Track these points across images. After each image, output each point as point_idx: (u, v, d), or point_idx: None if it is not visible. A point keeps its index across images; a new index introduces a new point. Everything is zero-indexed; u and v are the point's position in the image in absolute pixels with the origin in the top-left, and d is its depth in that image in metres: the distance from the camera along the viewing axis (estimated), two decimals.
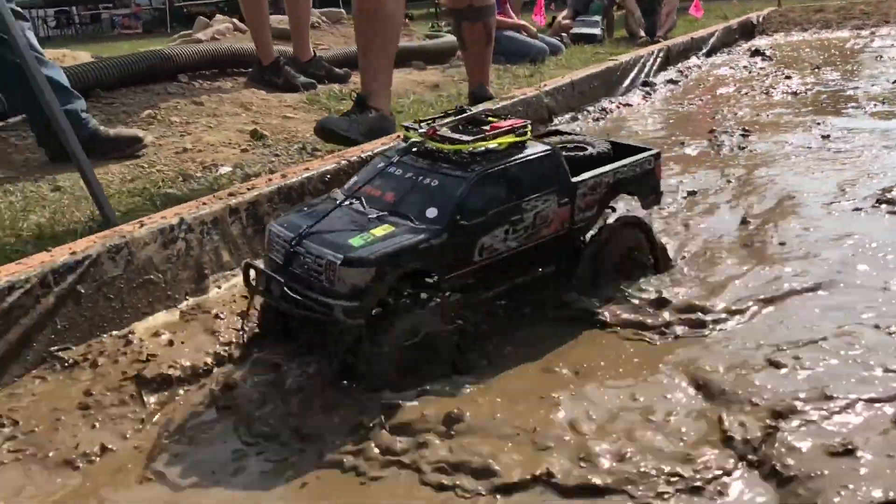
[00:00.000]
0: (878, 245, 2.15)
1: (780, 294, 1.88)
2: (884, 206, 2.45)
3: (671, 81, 5.35)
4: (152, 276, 1.98)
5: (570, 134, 2.10)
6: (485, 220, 1.59)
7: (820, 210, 2.50)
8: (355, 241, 1.48)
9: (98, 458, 1.49)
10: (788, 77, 5.09)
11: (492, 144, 1.64)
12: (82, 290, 1.80)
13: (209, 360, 1.76)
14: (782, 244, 2.23)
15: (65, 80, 3.21)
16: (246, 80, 4.84)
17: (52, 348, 1.77)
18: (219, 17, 7.82)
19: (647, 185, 1.94)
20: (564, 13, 8.10)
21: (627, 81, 4.90)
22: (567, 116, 4.12)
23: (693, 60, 6.16)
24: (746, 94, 4.75)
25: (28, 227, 2.43)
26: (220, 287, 2.15)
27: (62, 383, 1.68)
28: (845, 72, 5.20)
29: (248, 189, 2.37)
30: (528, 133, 1.71)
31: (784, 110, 4.13)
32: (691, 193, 2.80)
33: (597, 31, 7.54)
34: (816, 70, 5.29)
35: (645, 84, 5.07)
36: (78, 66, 4.13)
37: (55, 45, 8.18)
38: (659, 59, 5.41)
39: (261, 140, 3.70)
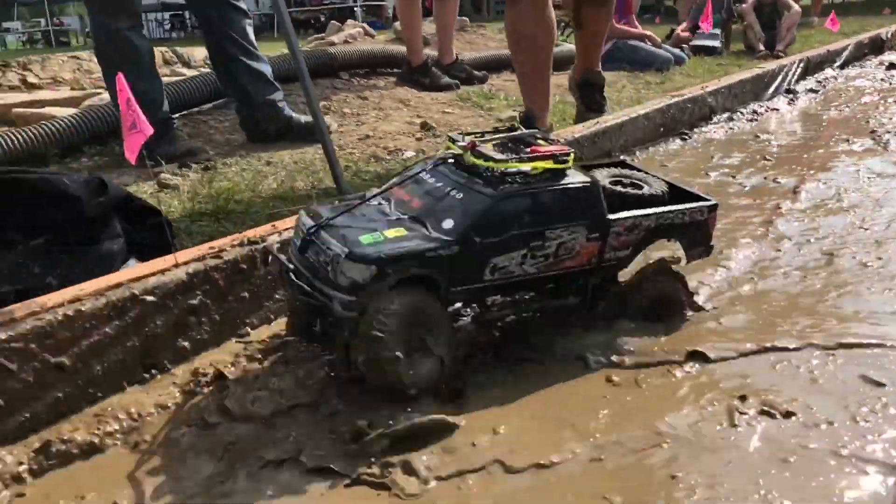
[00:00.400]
0: None
1: None
2: None
3: (811, 90, 5.37)
4: None
5: (633, 168, 1.97)
6: (500, 241, 1.55)
7: None
8: (365, 238, 1.49)
9: None
10: None
11: (525, 167, 1.60)
12: None
13: None
14: None
15: (270, 74, 3.52)
16: (396, 80, 5.11)
17: None
18: (350, 21, 8.21)
19: (694, 236, 1.82)
20: (683, 25, 8.14)
21: (773, 88, 4.96)
22: (724, 116, 4.22)
23: (829, 72, 6.14)
24: (894, 101, 4.74)
25: (265, 191, 2.70)
26: None
27: None
28: None
29: None
30: (570, 162, 1.64)
31: None
32: None
33: (717, 43, 7.55)
34: None
35: (788, 91, 5.11)
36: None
37: (171, 44, 8.71)
38: (800, 69, 5.43)
39: (430, 131, 3.92)
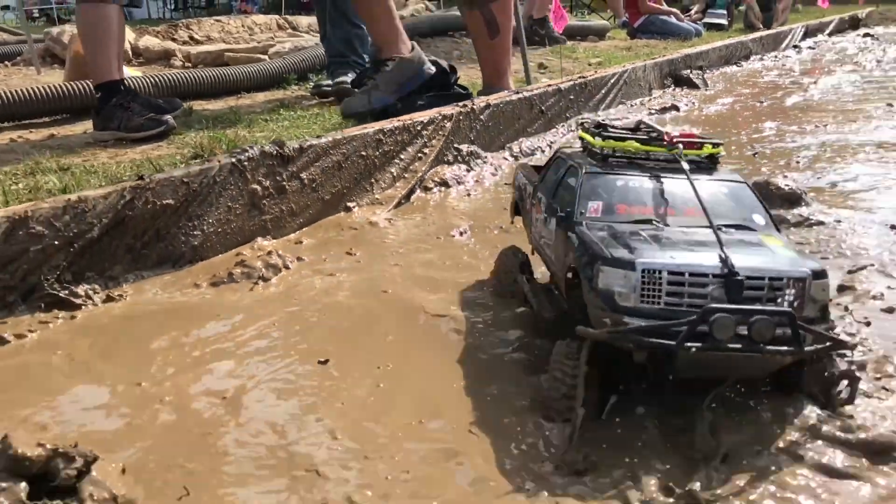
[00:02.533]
0: None
1: None
2: None
3: (809, 47, 7.68)
4: None
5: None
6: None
7: None
8: (779, 252, 1.28)
9: None
10: (889, 49, 7.38)
11: (721, 151, 1.53)
12: None
13: None
14: None
15: None
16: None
17: None
18: None
19: None
20: (696, 7, 10.17)
21: (785, 43, 7.26)
22: (757, 56, 6.51)
23: (820, 37, 8.46)
24: (867, 51, 7.06)
25: None
26: None
27: None
28: None
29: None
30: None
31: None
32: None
33: (724, 21, 9.60)
34: None
35: (795, 47, 7.41)
36: (413, 20, 6.35)
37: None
38: (802, 32, 7.74)
39: (546, 69, 6.09)
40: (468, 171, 2.97)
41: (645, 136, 1.52)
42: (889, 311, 1.55)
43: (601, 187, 1.45)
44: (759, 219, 1.40)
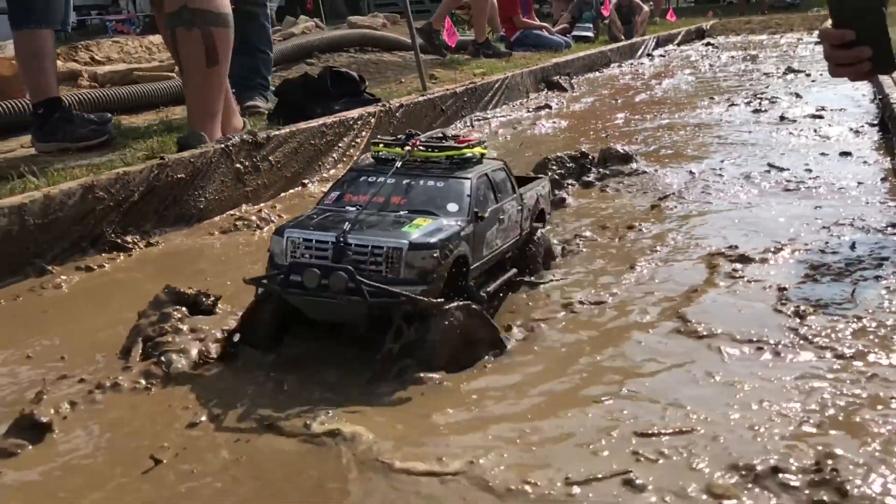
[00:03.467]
0: None
1: None
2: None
3: (660, 55, 8.96)
4: None
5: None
6: (487, 217, 1.65)
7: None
8: (408, 230, 1.50)
9: None
10: (723, 55, 8.75)
11: (470, 153, 1.74)
12: None
13: None
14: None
15: None
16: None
17: None
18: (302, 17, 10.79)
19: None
20: (562, 19, 11.30)
21: (639, 52, 8.50)
22: (615, 64, 7.67)
23: (670, 47, 9.82)
24: (704, 58, 8.37)
25: None
26: None
27: None
28: (758, 52, 8.90)
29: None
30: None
31: (728, 62, 7.74)
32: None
33: (590, 34, 10.80)
34: (742, 52, 8.96)
35: (648, 55, 8.65)
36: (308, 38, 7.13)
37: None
38: (654, 42, 9.03)
39: (436, 79, 7.01)
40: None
41: (401, 142, 1.78)
42: (683, 218, 2.48)
43: (346, 182, 1.74)
44: (452, 206, 1.61)
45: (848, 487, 1.02)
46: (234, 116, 3.20)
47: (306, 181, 3.32)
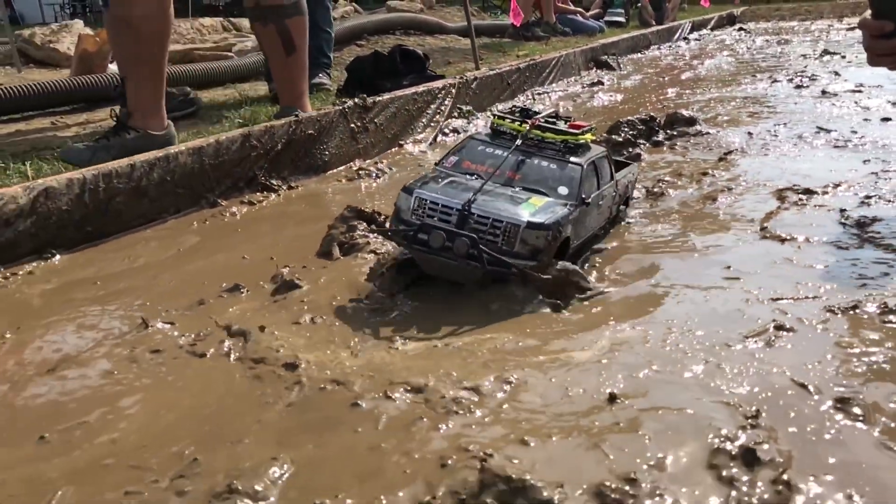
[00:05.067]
0: None
1: None
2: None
3: (696, 39, 9.32)
4: None
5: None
6: (590, 202, 1.79)
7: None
8: (524, 207, 1.64)
9: None
10: (757, 39, 9.09)
11: (583, 139, 1.87)
12: None
13: None
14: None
15: None
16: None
17: None
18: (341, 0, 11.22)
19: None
20: (595, 3, 11.63)
21: (676, 35, 8.87)
22: (654, 46, 8.04)
23: (704, 31, 10.15)
24: (738, 42, 8.72)
25: None
26: None
27: None
28: (790, 37, 9.22)
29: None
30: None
31: (763, 45, 8.09)
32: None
33: (622, 19, 11.12)
34: (775, 36, 9.30)
35: (685, 39, 9.01)
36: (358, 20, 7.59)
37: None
38: (690, 26, 9.38)
39: (483, 59, 7.43)
40: (468, 122, 4.22)
41: (519, 119, 1.92)
42: (748, 167, 2.90)
43: (465, 148, 1.88)
44: (563, 189, 1.75)
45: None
46: (158, 115, 2.97)
47: (402, 142, 3.77)
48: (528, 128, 1.89)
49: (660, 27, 8.95)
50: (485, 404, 1.22)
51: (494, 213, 1.62)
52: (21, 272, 2.07)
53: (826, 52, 6.60)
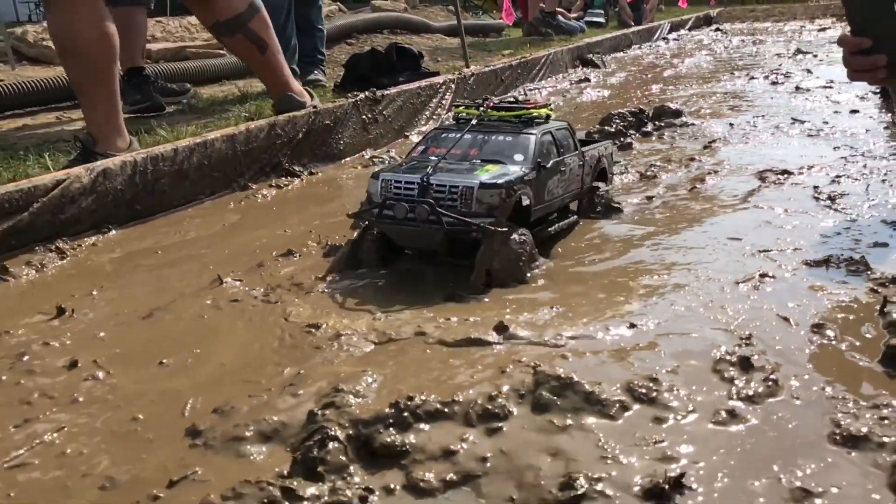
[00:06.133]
0: None
1: None
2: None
3: (674, 39, 9.66)
4: None
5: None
6: (549, 168, 1.95)
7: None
8: (479, 173, 1.81)
9: None
10: (733, 39, 9.46)
11: (536, 113, 2.06)
12: None
13: None
14: None
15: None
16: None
17: None
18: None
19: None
20: (577, 5, 11.94)
21: (656, 35, 9.20)
22: (636, 46, 8.37)
23: (682, 31, 10.51)
24: (715, 42, 9.08)
25: None
26: None
27: None
28: (764, 37, 9.61)
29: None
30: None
31: (739, 45, 8.44)
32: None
33: (602, 19, 11.41)
34: (750, 36, 9.67)
35: (664, 39, 9.35)
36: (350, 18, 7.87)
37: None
38: (668, 27, 9.72)
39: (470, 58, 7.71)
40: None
41: (475, 104, 2.15)
42: (731, 153, 3.19)
43: (430, 137, 2.08)
44: (518, 156, 1.92)
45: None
46: (121, 135, 2.91)
47: (407, 133, 4.02)
48: (482, 110, 2.09)
49: (640, 27, 9.26)
50: (524, 336, 1.48)
51: (450, 181, 1.80)
52: (84, 244, 2.30)
53: (799, 51, 6.95)
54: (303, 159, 3.30)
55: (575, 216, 2.26)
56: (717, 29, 10.89)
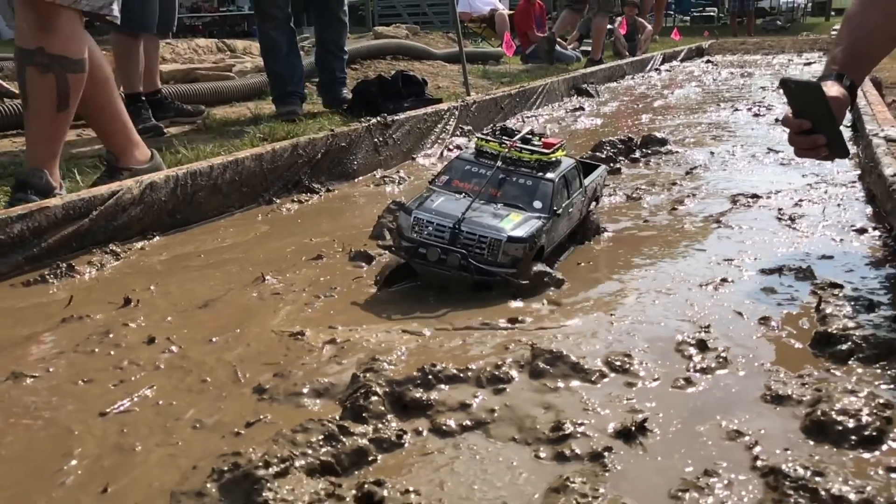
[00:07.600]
0: None
1: None
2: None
3: (666, 70, 10.07)
4: None
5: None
6: (561, 212, 2.11)
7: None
8: (504, 224, 1.94)
9: None
10: (723, 71, 9.88)
11: (555, 157, 2.17)
12: None
13: None
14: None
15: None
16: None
17: None
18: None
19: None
20: (573, 35, 12.39)
21: (648, 66, 9.61)
22: (629, 76, 8.76)
23: (675, 62, 10.93)
24: (705, 73, 9.49)
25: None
26: None
27: None
28: (753, 69, 10.03)
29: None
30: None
31: (728, 77, 8.85)
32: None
33: None
34: (739, 69, 10.10)
35: (656, 69, 9.76)
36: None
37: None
38: (661, 58, 10.14)
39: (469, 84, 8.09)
40: (468, 140, 4.83)
41: (497, 139, 2.20)
42: (710, 178, 3.53)
43: (454, 168, 2.18)
44: (537, 203, 2.05)
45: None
46: (139, 147, 3.05)
47: (414, 156, 4.36)
48: (506, 149, 2.18)
49: (634, 58, 9.68)
50: (522, 331, 1.80)
51: (480, 231, 1.92)
52: (134, 248, 2.61)
53: None
54: (321, 177, 3.62)
55: (571, 248, 2.43)
56: (708, 61, 11.32)
